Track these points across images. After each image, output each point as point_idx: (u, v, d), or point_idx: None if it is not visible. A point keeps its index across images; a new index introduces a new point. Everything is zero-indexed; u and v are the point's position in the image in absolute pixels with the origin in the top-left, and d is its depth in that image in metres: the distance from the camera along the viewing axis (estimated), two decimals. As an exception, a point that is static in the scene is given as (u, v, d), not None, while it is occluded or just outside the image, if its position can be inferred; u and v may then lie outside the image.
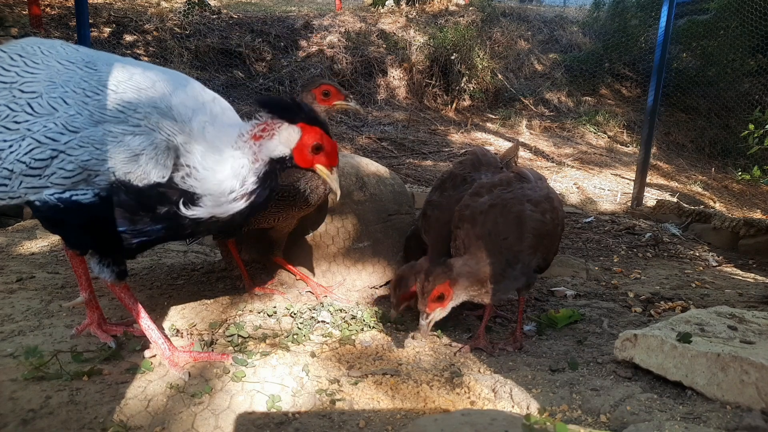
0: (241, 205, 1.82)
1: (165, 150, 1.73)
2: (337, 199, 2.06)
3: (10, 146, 1.71)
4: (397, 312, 2.51)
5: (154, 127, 1.73)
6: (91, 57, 1.89)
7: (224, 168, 1.78)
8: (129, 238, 1.81)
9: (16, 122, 1.72)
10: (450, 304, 2.22)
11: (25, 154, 1.70)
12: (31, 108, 1.74)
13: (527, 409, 1.87)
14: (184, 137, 1.76)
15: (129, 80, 1.80)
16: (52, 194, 1.73)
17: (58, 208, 1.74)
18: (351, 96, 2.51)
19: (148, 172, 1.71)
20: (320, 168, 1.92)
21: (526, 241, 2.26)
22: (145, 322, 1.96)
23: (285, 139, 1.83)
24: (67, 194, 1.73)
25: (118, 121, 1.72)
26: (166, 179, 1.74)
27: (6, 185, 1.72)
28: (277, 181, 1.94)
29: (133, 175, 1.71)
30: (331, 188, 1.98)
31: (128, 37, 9.18)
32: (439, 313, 2.20)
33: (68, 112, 1.72)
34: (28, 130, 1.71)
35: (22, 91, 1.76)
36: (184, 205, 1.76)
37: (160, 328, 2.04)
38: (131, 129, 1.72)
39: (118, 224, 1.78)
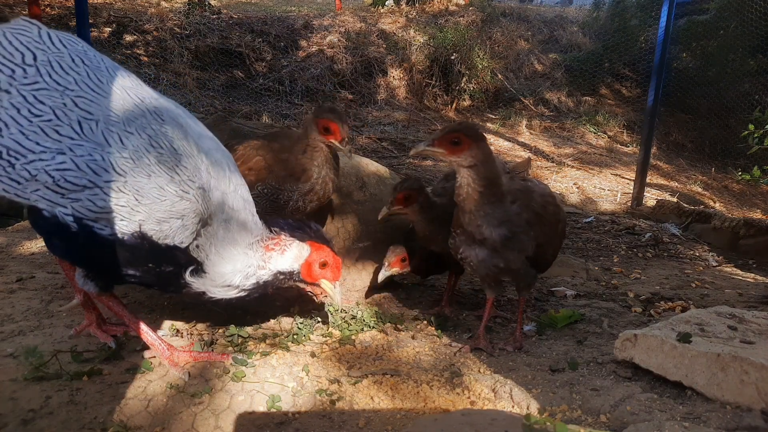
0: (233, 294, 1.97)
1: (197, 223, 1.77)
2: (339, 308, 2.29)
3: (42, 152, 1.59)
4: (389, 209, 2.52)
5: (198, 199, 1.75)
6: (158, 104, 1.80)
7: (235, 262, 1.90)
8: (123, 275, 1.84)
9: (58, 132, 1.61)
10: (457, 160, 1.99)
11: (57, 170, 1.59)
12: (80, 128, 1.62)
13: (527, 409, 1.87)
14: (211, 212, 1.82)
15: (186, 144, 1.78)
16: (68, 214, 1.64)
17: (67, 228, 1.65)
18: (348, 140, 2.40)
19: (173, 236, 1.74)
20: (325, 283, 2.10)
21: (526, 214, 2.24)
22: (139, 326, 1.96)
23: (295, 255, 2.01)
24: (84, 221, 1.65)
25: (170, 181, 1.69)
26: (184, 246, 1.79)
27: (20, 184, 1.61)
28: (273, 288, 2.09)
29: (159, 233, 1.72)
30: (332, 301, 2.17)
31: (128, 37, 9.17)
32: (441, 155, 1.98)
33: (122, 153, 1.63)
34: (70, 149, 1.60)
35: (76, 105, 1.64)
36: (191, 273, 1.85)
37: (155, 330, 2.04)
38: (180, 193, 1.71)
39: (119, 263, 1.77)
